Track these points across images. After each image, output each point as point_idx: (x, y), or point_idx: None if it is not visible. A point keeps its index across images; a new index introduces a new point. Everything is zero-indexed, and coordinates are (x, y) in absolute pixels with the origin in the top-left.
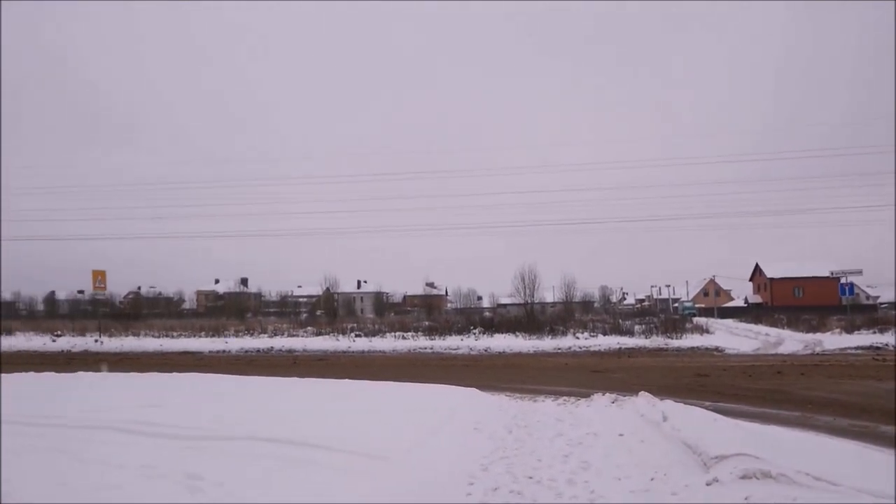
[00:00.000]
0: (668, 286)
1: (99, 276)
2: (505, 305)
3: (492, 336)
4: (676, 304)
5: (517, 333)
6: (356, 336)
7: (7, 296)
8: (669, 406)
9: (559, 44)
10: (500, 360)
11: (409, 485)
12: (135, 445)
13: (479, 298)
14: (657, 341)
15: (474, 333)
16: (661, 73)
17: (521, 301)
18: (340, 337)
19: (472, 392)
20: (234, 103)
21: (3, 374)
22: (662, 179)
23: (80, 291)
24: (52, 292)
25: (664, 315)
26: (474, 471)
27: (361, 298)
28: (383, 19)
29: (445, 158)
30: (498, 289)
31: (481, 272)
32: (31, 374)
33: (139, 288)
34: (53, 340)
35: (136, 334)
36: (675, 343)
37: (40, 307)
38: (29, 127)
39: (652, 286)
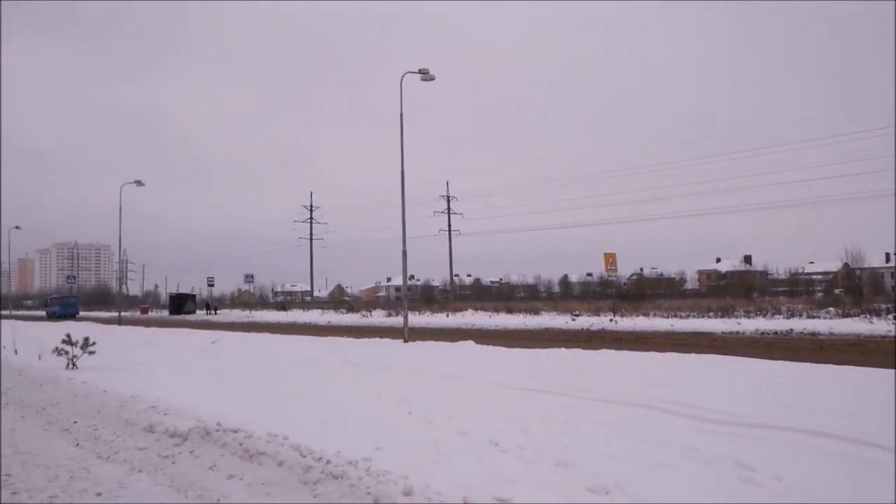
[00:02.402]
0: None
1: (610, 259)
2: None
3: None
4: None
5: None
6: None
7: (530, 279)
8: None
9: None
10: None
11: None
12: (675, 426)
13: None
14: None
15: None
16: None
17: None
18: (874, 319)
19: None
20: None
21: (537, 350)
22: None
23: (589, 274)
24: (566, 275)
25: None
26: None
27: (893, 274)
28: None
29: None
30: None
31: None
32: (563, 349)
33: (641, 269)
34: (573, 319)
35: (646, 314)
36: None
37: (556, 289)
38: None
39: None
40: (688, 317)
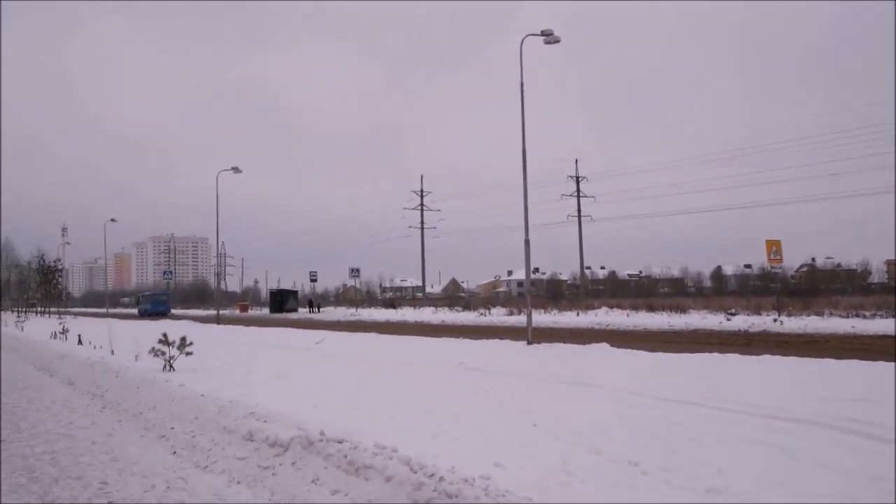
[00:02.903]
0: None
1: (774, 247)
2: None
3: None
4: None
5: None
6: None
7: (675, 272)
8: None
9: None
10: None
11: None
12: (859, 450)
13: None
14: None
15: None
16: None
17: None
18: None
19: None
20: None
21: (689, 355)
22: None
23: (748, 265)
24: (719, 267)
25: None
26: None
27: None
28: None
29: None
30: None
31: None
32: (715, 354)
33: (813, 259)
34: (728, 319)
35: (819, 313)
36: None
37: (707, 283)
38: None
39: None
40: (873, 316)
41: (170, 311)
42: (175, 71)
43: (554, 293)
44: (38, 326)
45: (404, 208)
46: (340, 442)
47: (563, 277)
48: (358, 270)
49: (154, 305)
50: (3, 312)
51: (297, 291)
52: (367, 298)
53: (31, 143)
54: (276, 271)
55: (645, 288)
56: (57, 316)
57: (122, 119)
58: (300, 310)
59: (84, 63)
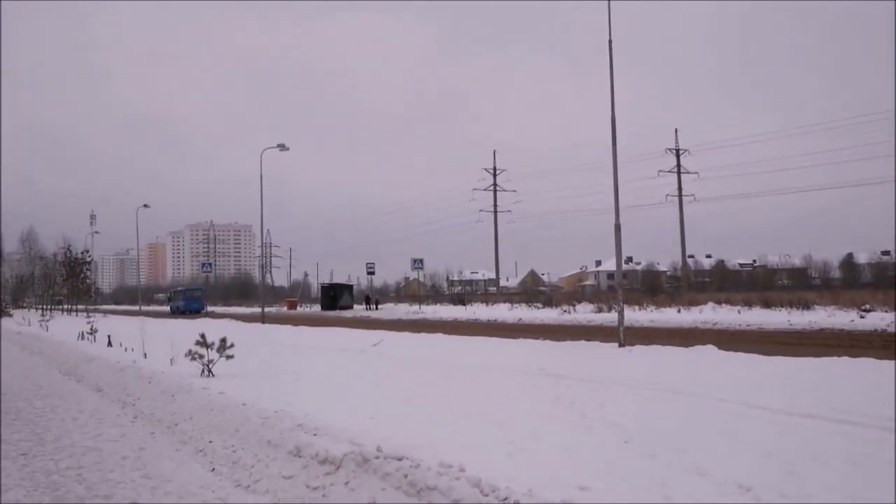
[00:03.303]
0: None
1: None
2: None
3: None
4: None
5: None
6: None
7: (796, 261)
8: None
9: None
10: None
11: None
12: None
13: None
14: None
15: None
16: None
17: None
18: None
19: None
20: None
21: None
22: None
23: (885, 252)
24: (850, 255)
25: None
26: None
27: None
28: None
29: None
30: None
31: None
32: (845, 358)
33: None
34: (861, 317)
35: None
36: None
37: (835, 274)
38: None
39: None
40: None
41: (205, 308)
42: (217, 46)
43: (650, 286)
44: (65, 326)
45: (474, 189)
46: (400, 459)
47: (662, 268)
48: (421, 261)
49: (188, 303)
50: (21, 310)
51: (352, 286)
52: (433, 294)
53: (57, 132)
54: (328, 263)
55: (759, 280)
56: (85, 314)
57: (156, 102)
58: (355, 307)
59: (112, 46)
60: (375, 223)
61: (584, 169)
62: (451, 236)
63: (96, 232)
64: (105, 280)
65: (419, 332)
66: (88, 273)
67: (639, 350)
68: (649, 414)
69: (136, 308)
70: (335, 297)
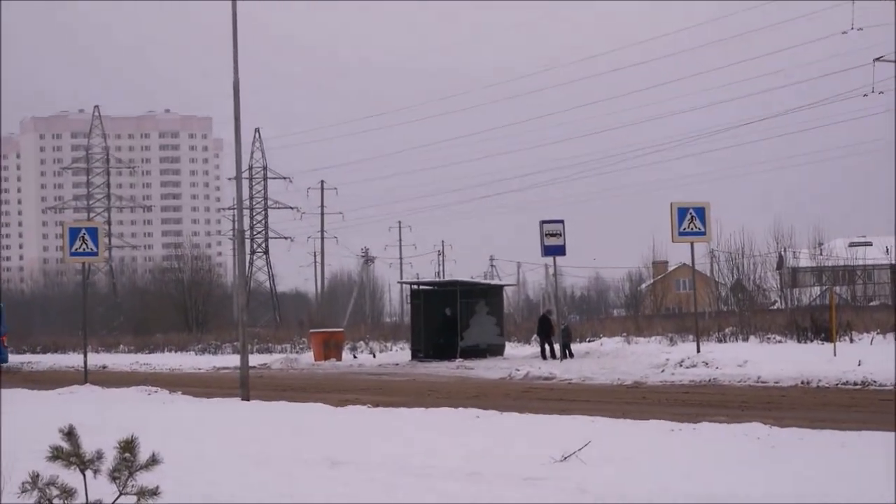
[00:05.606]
0: None
1: None
2: None
3: None
4: None
5: None
6: None
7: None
8: None
9: None
10: None
11: None
12: None
13: None
14: None
15: None
16: None
17: None
18: None
19: None
20: None
21: None
22: None
23: None
24: None
25: None
26: None
27: None
28: None
29: None
30: None
31: None
32: None
33: None
34: None
35: None
36: None
37: None
38: None
39: None
40: None
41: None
42: None
43: None
44: None
45: None
46: None
47: None
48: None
49: None
50: None
51: (500, 292)
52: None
53: None
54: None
55: None
56: None
57: None
58: (509, 346)
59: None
60: None
61: None
62: None
63: None
64: None
65: (699, 416)
66: None
67: None
68: None
69: None
70: (450, 324)
